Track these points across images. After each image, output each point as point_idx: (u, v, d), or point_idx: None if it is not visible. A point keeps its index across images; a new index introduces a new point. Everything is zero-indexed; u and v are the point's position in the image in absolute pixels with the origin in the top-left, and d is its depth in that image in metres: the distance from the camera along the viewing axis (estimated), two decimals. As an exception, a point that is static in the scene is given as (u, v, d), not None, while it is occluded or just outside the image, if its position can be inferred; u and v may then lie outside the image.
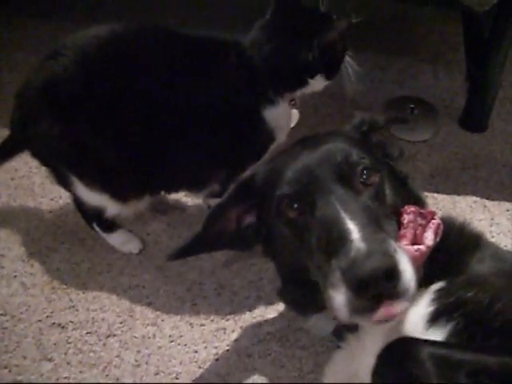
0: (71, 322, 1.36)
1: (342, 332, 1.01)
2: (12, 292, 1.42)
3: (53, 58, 1.28)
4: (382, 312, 0.77)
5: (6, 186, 1.67)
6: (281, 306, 1.36)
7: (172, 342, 1.31)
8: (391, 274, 0.76)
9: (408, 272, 0.78)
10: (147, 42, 1.31)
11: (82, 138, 1.27)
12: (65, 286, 1.43)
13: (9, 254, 1.50)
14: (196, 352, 1.29)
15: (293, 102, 1.39)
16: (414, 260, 0.84)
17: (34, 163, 1.67)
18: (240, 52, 1.31)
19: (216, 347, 1.30)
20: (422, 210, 0.94)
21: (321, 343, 1.29)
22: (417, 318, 0.88)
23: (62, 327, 1.35)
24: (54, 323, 1.36)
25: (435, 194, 1.62)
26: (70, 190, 1.41)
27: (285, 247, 1.00)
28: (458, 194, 1.62)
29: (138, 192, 1.37)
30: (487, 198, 1.60)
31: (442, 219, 0.96)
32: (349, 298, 0.78)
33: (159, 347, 1.30)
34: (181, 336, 1.32)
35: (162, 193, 1.44)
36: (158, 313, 1.36)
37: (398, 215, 0.94)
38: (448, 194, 1.62)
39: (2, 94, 1.91)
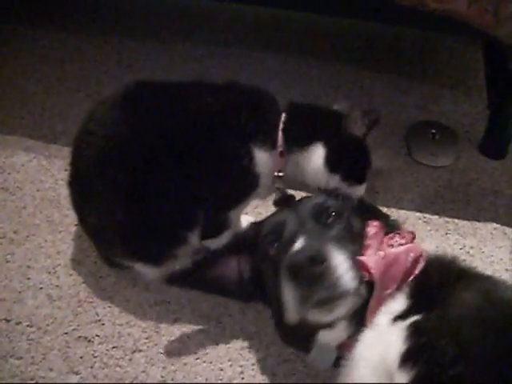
0: (97, 335, 1.37)
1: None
2: (38, 304, 1.43)
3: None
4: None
5: (31, 197, 1.68)
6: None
7: (198, 359, 1.33)
8: (315, 259, 0.97)
9: (341, 266, 0.99)
10: (138, 101, 1.36)
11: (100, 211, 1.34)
12: (91, 300, 1.44)
13: (35, 266, 1.51)
14: (221, 370, 1.31)
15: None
16: (378, 265, 1.04)
17: (60, 175, 1.71)
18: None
19: (241, 366, 1.31)
20: (400, 231, 1.17)
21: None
22: (393, 354, 0.93)
23: (89, 341, 1.36)
24: (80, 336, 1.37)
25: (456, 220, 1.64)
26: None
27: (269, 288, 1.17)
28: (479, 221, 1.64)
29: (163, 249, 1.39)
30: (507, 225, 1.62)
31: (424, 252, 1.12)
32: (292, 288, 1.00)
33: (185, 364, 1.32)
34: (206, 353, 1.34)
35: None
36: (183, 329, 1.38)
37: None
38: (468, 220, 1.64)
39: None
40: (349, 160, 1.35)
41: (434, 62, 2.18)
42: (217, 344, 1.35)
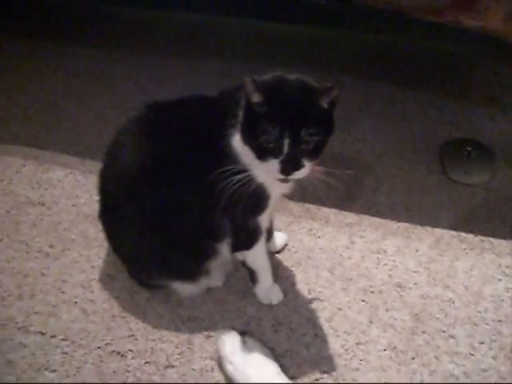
0: (130, 350, 1.38)
1: None
2: (72, 318, 1.45)
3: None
4: None
5: (67, 212, 1.71)
6: (337, 345, 1.37)
7: (230, 376, 1.33)
8: None
9: None
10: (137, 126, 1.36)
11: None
12: (124, 314, 1.45)
13: (70, 280, 1.53)
14: (253, 388, 1.30)
15: None
16: None
17: (95, 190, 1.72)
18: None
19: None
20: None
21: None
22: None
23: (122, 355, 1.37)
24: (113, 351, 1.38)
25: (491, 239, 1.61)
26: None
27: None
28: (515, 240, 1.61)
29: (196, 264, 1.40)
30: (544, 245, 1.59)
31: None
32: None
33: (217, 381, 1.32)
34: (238, 371, 1.33)
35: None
36: (216, 346, 1.38)
37: None
38: (504, 238, 1.62)
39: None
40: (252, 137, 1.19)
41: (468, 79, 2.16)
42: (249, 361, 1.34)
